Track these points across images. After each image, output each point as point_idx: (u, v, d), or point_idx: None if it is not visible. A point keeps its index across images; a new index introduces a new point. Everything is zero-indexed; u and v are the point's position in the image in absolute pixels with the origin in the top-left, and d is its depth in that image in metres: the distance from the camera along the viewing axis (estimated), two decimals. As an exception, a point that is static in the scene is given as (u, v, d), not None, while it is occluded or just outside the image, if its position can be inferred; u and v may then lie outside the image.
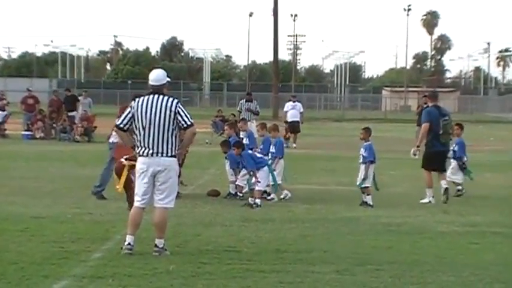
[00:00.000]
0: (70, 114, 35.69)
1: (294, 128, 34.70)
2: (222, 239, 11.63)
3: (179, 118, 10.38)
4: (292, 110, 35.22)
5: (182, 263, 9.86)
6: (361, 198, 15.81)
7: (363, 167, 15.88)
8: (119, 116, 10.88)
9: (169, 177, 10.47)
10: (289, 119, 34.98)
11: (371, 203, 15.65)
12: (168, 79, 10.73)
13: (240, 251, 10.74)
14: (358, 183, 15.99)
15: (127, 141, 10.85)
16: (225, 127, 18.45)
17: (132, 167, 15.82)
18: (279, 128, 17.33)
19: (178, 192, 16.21)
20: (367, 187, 15.82)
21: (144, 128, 10.38)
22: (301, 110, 35.68)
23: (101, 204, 14.92)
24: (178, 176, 16.32)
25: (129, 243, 10.32)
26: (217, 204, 15.45)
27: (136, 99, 10.58)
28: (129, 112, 10.55)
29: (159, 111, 10.35)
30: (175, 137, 10.48)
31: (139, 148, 10.43)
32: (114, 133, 15.63)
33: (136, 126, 10.47)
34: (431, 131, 16.73)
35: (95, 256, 10.26)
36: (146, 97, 10.51)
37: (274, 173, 16.07)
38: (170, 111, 10.36)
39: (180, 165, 16.35)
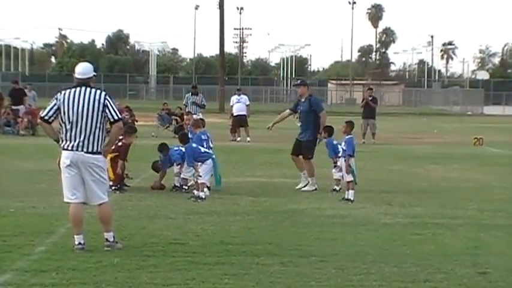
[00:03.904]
0: (14, 107, 35.30)
1: (240, 122, 34.14)
2: (167, 231, 11.63)
3: (107, 111, 10.14)
4: (237, 104, 34.53)
5: (127, 256, 9.84)
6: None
7: (342, 160, 15.75)
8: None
9: (96, 174, 10.16)
10: (235, 113, 34.30)
11: (352, 198, 15.10)
12: (94, 73, 10.44)
13: (185, 243, 10.75)
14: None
15: (50, 134, 10.39)
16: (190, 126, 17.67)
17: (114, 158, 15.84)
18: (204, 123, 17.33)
19: (124, 185, 16.35)
20: (349, 182, 15.37)
21: (70, 121, 10.07)
22: (247, 102, 34.95)
23: (45, 198, 14.80)
24: (123, 171, 16.44)
25: (79, 243, 10.13)
26: (163, 197, 15.43)
27: (63, 92, 10.26)
28: (55, 104, 10.19)
29: (87, 103, 10.07)
30: (103, 131, 10.22)
31: (64, 141, 10.13)
32: None
33: (62, 119, 10.14)
34: None
35: (39, 250, 10.19)
36: (73, 89, 10.19)
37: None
38: (99, 103, 10.11)
39: (123, 159, 16.32)
